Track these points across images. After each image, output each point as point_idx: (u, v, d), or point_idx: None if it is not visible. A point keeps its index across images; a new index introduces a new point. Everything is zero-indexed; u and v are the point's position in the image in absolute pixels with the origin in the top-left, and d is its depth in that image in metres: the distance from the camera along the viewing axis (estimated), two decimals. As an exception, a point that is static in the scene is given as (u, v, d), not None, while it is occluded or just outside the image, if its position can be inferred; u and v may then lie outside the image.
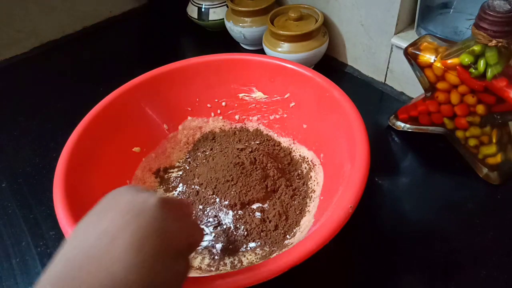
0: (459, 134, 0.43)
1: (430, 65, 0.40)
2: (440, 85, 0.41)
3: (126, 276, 0.19)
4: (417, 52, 0.41)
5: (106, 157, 0.43)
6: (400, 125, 0.49)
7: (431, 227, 0.40)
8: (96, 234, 0.20)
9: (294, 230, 0.39)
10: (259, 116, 0.51)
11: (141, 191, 0.23)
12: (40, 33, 0.72)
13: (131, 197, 0.22)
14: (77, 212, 0.34)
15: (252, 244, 0.38)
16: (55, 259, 0.20)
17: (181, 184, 0.46)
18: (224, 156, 0.43)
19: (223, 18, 0.65)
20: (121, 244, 0.19)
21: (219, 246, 0.38)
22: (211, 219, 0.41)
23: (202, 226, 0.40)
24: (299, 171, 0.45)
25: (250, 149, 0.44)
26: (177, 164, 0.49)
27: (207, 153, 0.48)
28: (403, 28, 0.51)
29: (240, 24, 0.61)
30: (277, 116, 0.51)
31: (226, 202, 0.41)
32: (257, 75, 0.49)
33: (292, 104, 0.49)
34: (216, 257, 0.38)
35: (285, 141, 0.49)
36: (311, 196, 0.42)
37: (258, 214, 0.40)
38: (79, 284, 0.18)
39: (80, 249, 0.20)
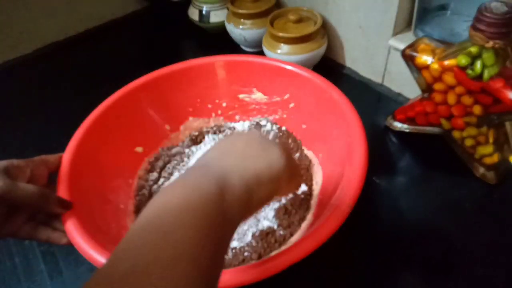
0: (456, 134, 0.43)
1: (427, 67, 0.41)
2: (437, 86, 0.41)
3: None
4: (415, 54, 0.41)
5: (108, 157, 0.43)
6: (398, 125, 0.49)
7: (429, 226, 0.40)
8: (217, 151, 0.26)
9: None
10: (259, 116, 0.52)
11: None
12: (43, 35, 0.72)
13: (238, 132, 0.30)
14: (80, 211, 0.35)
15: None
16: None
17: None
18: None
19: (224, 21, 0.66)
20: (238, 150, 0.26)
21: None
22: None
23: None
24: (299, 171, 0.46)
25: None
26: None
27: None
28: (400, 30, 0.52)
29: (241, 26, 0.62)
30: (277, 117, 0.51)
31: None
32: (257, 77, 0.50)
33: (292, 105, 0.49)
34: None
35: (284, 142, 0.50)
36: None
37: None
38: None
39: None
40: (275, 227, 0.39)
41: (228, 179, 0.23)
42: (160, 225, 0.19)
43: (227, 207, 0.22)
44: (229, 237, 0.23)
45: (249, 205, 0.25)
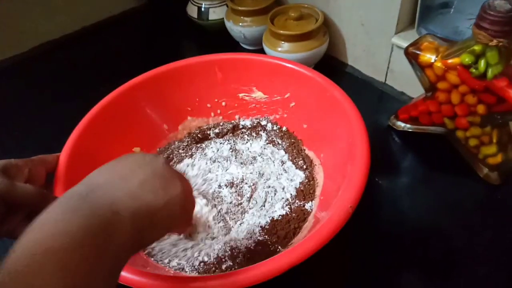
0: (460, 134, 0.43)
1: (430, 65, 0.40)
2: (441, 85, 0.41)
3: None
4: (418, 52, 0.41)
5: (106, 156, 0.42)
6: (401, 125, 0.49)
7: (431, 226, 0.40)
8: (110, 174, 0.24)
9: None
10: (259, 116, 0.51)
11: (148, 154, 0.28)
12: (40, 32, 0.72)
13: (142, 155, 0.27)
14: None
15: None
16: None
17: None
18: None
19: (223, 18, 0.65)
20: (135, 179, 0.24)
21: (219, 244, 0.38)
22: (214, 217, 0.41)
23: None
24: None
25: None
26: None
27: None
28: (403, 28, 0.51)
29: (240, 24, 0.61)
30: (277, 116, 0.50)
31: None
32: (257, 75, 0.49)
33: (292, 104, 0.49)
34: (216, 256, 0.38)
35: (285, 141, 0.49)
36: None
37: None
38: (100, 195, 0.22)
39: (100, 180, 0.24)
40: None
41: (118, 216, 0.21)
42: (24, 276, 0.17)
43: (113, 250, 0.20)
44: (114, 274, 0.21)
45: (138, 245, 0.23)
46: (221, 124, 0.51)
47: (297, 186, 0.42)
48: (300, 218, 0.40)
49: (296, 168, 0.44)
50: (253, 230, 0.39)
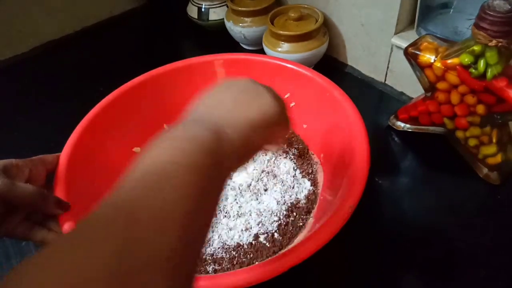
0: (459, 134, 0.43)
1: (430, 65, 0.40)
2: (440, 85, 0.41)
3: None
4: (417, 52, 0.41)
5: (106, 157, 0.43)
6: (400, 125, 0.49)
7: (431, 227, 0.40)
8: (206, 104, 0.25)
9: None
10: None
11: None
12: (40, 33, 0.72)
13: (227, 81, 0.28)
14: (78, 212, 0.34)
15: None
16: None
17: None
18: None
19: (223, 18, 0.65)
20: (228, 100, 0.25)
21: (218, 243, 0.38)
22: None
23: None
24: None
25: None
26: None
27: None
28: (403, 28, 0.51)
29: (240, 24, 0.61)
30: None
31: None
32: (257, 75, 0.49)
33: (292, 104, 0.49)
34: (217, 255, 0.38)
35: (285, 141, 0.49)
36: (311, 196, 0.42)
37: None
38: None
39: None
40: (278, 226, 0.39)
41: (221, 130, 0.22)
42: (150, 182, 0.18)
43: (223, 156, 0.21)
44: (220, 188, 0.22)
45: (244, 152, 0.24)
46: None
47: (305, 194, 0.42)
48: (300, 218, 0.40)
49: (303, 177, 0.44)
50: (253, 229, 0.39)
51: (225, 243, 0.38)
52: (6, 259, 0.41)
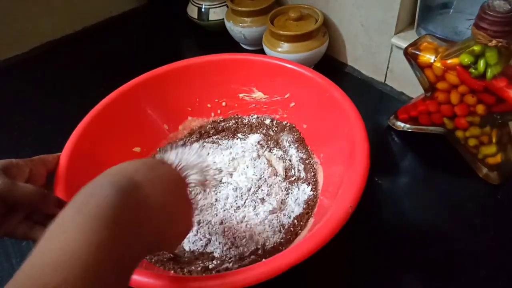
0: (459, 134, 0.43)
1: (430, 65, 0.40)
2: (440, 85, 0.41)
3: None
4: (417, 52, 0.41)
5: (106, 157, 0.43)
6: (400, 125, 0.49)
7: (431, 227, 0.40)
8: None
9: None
10: (259, 116, 0.51)
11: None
12: (40, 33, 0.72)
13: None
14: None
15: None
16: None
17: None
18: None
19: (223, 18, 0.65)
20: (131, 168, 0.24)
21: (221, 247, 0.38)
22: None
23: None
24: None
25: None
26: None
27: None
28: (403, 28, 0.51)
29: (240, 24, 0.61)
30: (277, 116, 0.51)
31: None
32: (257, 75, 0.49)
33: (292, 104, 0.49)
34: (219, 255, 0.38)
35: (285, 141, 0.49)
36: (311, 196, 0.42)
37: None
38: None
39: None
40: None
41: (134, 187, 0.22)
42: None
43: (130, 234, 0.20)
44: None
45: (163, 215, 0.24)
46: (222, 120, 0.52)
47: (305, 199, 0.41)
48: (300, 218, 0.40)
49: (303, 182, 0.43)
50: (253, 229, 0.39)
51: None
52: (6, 259, 0.41)
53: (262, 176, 0.43)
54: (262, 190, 0.42)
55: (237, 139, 0.49)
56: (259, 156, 0.45)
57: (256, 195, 0.41)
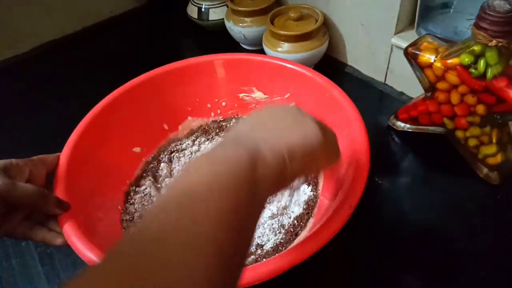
0: (459, 134, 0.43)
1: (430, 65, 0.40)
2: (440, 85, 0.41)
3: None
4: (417, 52, 0.41)
5: (106, 157, 0.43)
6: (400, 125, 0.49)
7: (431, 227, 0.40)
8: (249, 125, 0.26)
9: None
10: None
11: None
12: (40, 33, 0.72)
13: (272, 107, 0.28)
14: (77, 211, 0.34)
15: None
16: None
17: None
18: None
19: (223, 18, 0.65)
20: (270, 123, 0.25)
21: None
22: None
23: None
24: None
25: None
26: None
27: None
28: (403, 28, 0.51)
29: (240, 24, 0.61)
30: (277, 116, 0.50)
31: None
32: (257, 75, 0.49)
33: (292, 104, 0.49)
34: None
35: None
36: (311, 196, 0.42)
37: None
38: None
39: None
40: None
41: (259, 151, 0.22)
42: (182, 205, 0.18)
43: (258, 181, 0.21)
44: (257, 216, 0.22)
45: (282, 177, 0.23)
46: (222, 120, 0.52)
47: (305, 199, 0.41)
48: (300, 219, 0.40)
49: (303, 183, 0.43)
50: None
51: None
52: (6, 259, 0.41)
53: None
54: None
55: None
56: None
57: None
